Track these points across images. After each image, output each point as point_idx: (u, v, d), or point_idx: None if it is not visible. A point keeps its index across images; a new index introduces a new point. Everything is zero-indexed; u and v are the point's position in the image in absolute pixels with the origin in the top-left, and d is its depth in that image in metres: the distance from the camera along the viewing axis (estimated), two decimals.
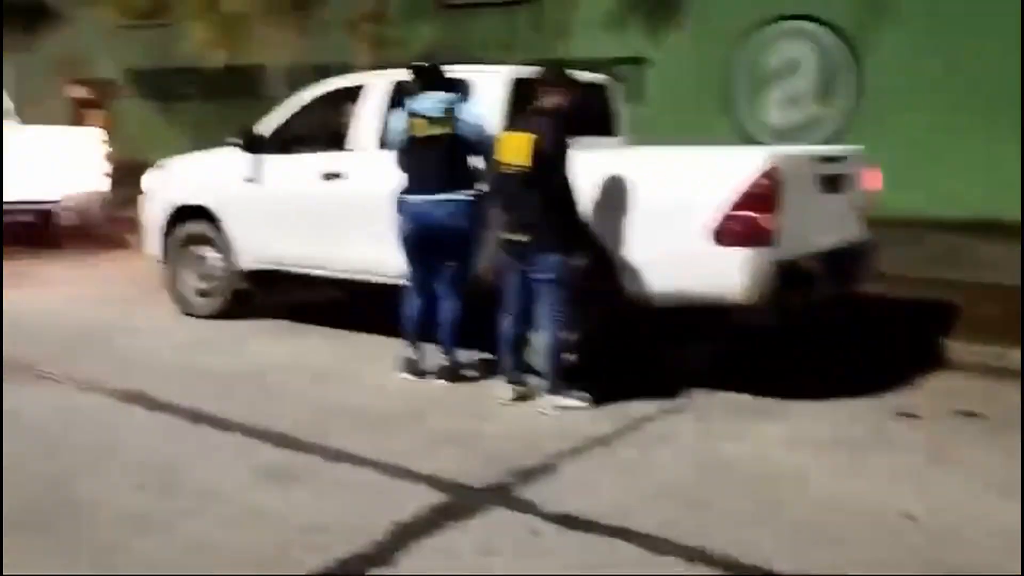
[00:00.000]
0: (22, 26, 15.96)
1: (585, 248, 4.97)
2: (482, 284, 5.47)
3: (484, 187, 5.33)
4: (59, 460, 4.25)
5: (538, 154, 4.79)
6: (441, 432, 4.66)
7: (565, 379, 4.97)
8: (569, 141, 4.89)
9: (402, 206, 5.38)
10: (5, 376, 5.57)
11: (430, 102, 5.29)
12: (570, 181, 4.89)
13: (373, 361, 5.89)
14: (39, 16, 16.11)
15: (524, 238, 4.89)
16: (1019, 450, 4.32)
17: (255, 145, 6.77)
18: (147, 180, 7.54)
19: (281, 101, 7.20)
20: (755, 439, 4.58)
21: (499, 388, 5.19)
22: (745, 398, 5.22)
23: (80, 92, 12.19)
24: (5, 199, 9.66)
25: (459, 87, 5.48)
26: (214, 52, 9.73)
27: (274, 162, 6.74)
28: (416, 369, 5.55)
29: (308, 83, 7.12)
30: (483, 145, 5.26)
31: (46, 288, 8.53)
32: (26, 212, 10.16)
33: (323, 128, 6.73)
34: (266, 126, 6.90)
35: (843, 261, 5.61)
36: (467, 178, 5.35)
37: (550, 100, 4.94)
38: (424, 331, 5.54)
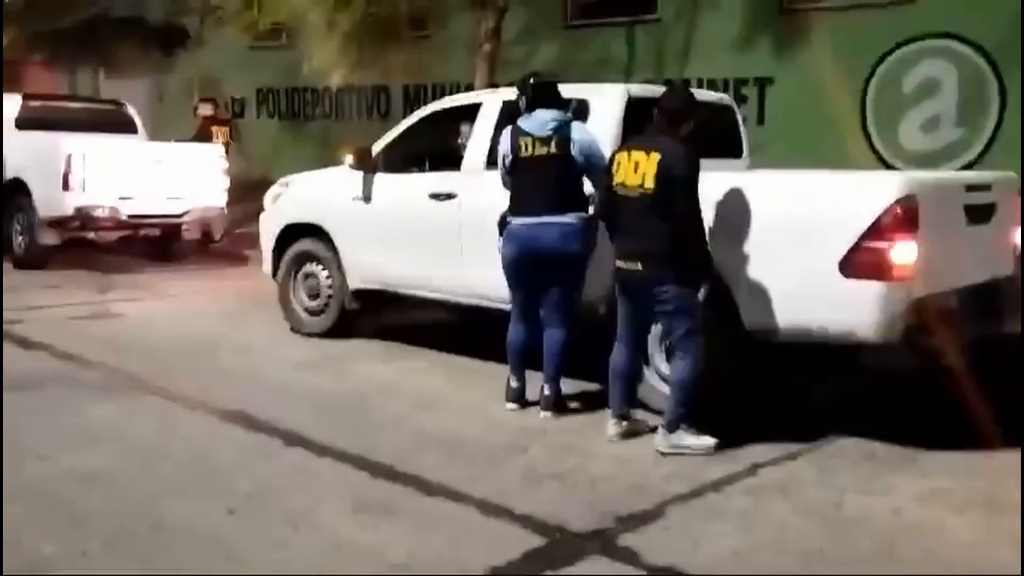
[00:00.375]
0: (161, 47, 16.60)
1: (708, 278, 4.61)
2: (590, 312, 5.22)
3: (594, 210, 5.08)
4: (154, 479, 4.20)
5: (665, 177, 4.45)
6: (543, 468, 4.42)
7: (685, 418, 4.63)
8: (699, 163, 4.56)
9: (506, 228, 5.19)
10: (116, 389, 5.64)
11: (538, 120, 5.08)
12: (699, 206, 4.56)
13: (478, 388, 5.71)
14: (177, 38, 16.72)
15: (641, 266, 4.59)
16: None
17: (367, 163, 6.71)
18: (268, 196, 7.59)
19: (404, 120, 7.14)
20: (884, 492, 4.17)
21: (607, 424, 4.91)
22: (876, 446, 4.79)
23: (208, 110, 12.54)
24: (133, 213, 9.96)
25: (569, 105, 5.27)
26: (334, 73, 9.76)
27: (385, 181, 6.67)
28: (520, 399, 5.33)
29: (428, 103, 7.06)
30: (594, 166, 5.02)
31: (164, 302, 8.70)
32: (151, 226, 10.46)
33: (435, 147, 6.61)
34: (380, 145, 6.83)
35: (990, 299, 5.14)
36: (576, 200, 5.11)
37: (676, 120, 4.63)
38: (529, 359, 5.32)
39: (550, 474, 4.33)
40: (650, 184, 4.47)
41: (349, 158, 6.81)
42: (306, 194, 7.34)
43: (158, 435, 4.84)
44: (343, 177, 6.89)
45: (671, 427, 4.61)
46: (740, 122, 6.46)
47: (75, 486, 4.06)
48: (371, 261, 6.73)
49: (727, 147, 6.25)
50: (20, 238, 10.21)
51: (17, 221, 10.21)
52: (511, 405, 5.31)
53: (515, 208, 5.16)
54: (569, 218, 5.05)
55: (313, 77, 13.06)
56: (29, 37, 15.71)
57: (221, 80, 18.30)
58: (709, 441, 4.59)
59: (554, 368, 5.23)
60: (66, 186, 9.55)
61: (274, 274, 7.47)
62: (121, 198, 9.86)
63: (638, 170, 4.50)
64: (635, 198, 4.53)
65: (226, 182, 10.63)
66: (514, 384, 5.32)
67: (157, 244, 11.09)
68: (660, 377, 5.07)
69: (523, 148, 5.09)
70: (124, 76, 19.31)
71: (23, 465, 4.28)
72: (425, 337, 6.97)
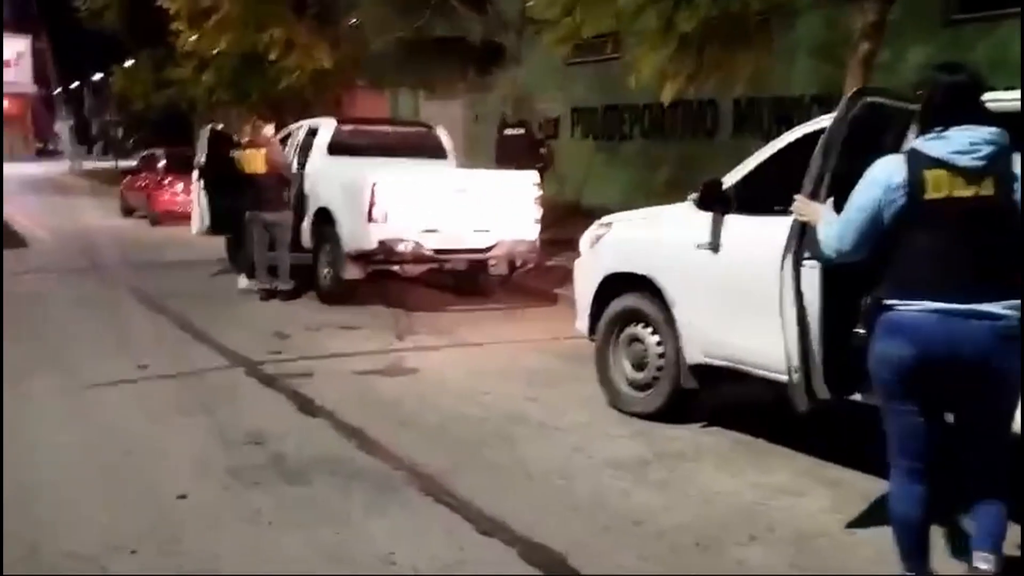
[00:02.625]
0: (478, 66, 16.03)
1: None
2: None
3: None
4: None
5: None
6: None
7: None
8: None
9: (889, 317, 3.23)
10: (393, 492, 4.47)
11: (960, 142, 3.15)
12: None
13: (873, 543, 3.90)
14: (494, 57, 16.06)
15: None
16: None
17: (716, 202, 5.12)
18: (585, 239, 6.23)
19: (731, 139, 5.48)
20: None
21: None
22: None
23: (515, 132, 11.44)
24: (437, 247, 9.05)
25: (1002, 123, 3.25)
26: (667, 85, 8.24)
27: (742, 224, 5.04)
28: None
29: (762, 119, 5.33)
30: None
31: (463, 353, 7.59)
32: (458, 260, 9.52)
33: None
34: (734, 177, 5.22)
35: None
36: (1014, 275, 3.14)
37: None
38: (924, 526, 3.37)
39: None
40: None
41: (693, 195, 5.26)
42: (634, 238, 5.87)
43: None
44: (683, 218, 5.35)
45: None
46: None
47: None
48: (718, 328, 5.13)
49: None
50: (325, 270, 9.63)
51: (323, 252, 9.65)
52: None
53: (906, 283, 3.21)
54: (1007, 308, 3.11)
55: (634, 93, 11.78)
56: (355, 60, 15.68)
57: (535, 99, 17.56)
58: None
59: (991, 544, 3.31)
60: (370, 218, 8.79)
61: (591, 333, 6.08)
62: (425, 231, 8.96)
63: None
64: None
65: (538, 212, 9.46)
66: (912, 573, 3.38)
67: (462, 277, 10.20)
68: None
69: (931, 186, 3.16)
70: (442, 97, 19.16)
71: None
72: (787, 431, 5.23)
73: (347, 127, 10.45)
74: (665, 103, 8.71)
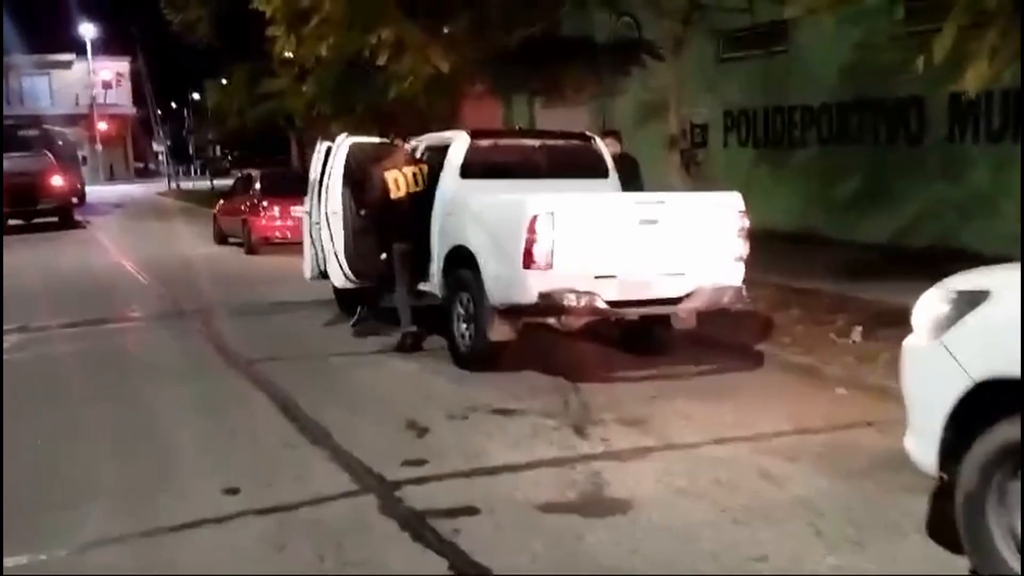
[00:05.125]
0: (615, 66, 13.78)
1: None
2: None
3: None
4: None
5: None
6: None
7: None
8: None
9: None
10: None
11: None
12: None
13: None
14: (633, 54, 13.78)
15: None
16: None
17: None
18: (926, 315, 3.86)
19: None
20: None
21: None
22: None
23: (614, 146, 8.93)
24: (616, 299, 6.79)
25: None
26: (969, 70, 5.80)
27: None
28: None
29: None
30: None
31: (681, 462, 5.25)
32: (643, 314, 7.21)
33: None
34: None
35: None
36: None
37: None
38: None
39: None
40: None
41: None
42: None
43: None
44: None
45: None
46: None
47: None
48: None
49: None
50: (464, 327, 7.47)
51: (460, 303, 7.49)
52: None
53: None
54: None
55: (807, 91, 9.40)
56: (473, 64, 13.55)
57: (680, 102, 15.20)
58: None
59: None
60: (529, 262, 6.59)
61: (941, 466, 3.72)
62: (600, 276, 6.72)
63: None
64: None
65: (745, 247, 7.13)
66: None
67: (632, 328, 7.87)
68: None
69: None
70: (564, 104, 16.99)
71: None
72: None
73: (484, 142, 8.24)
74: (971, 94, 6.22)
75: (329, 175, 8.58)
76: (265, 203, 16.78)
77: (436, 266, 7.91)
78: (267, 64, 19.07)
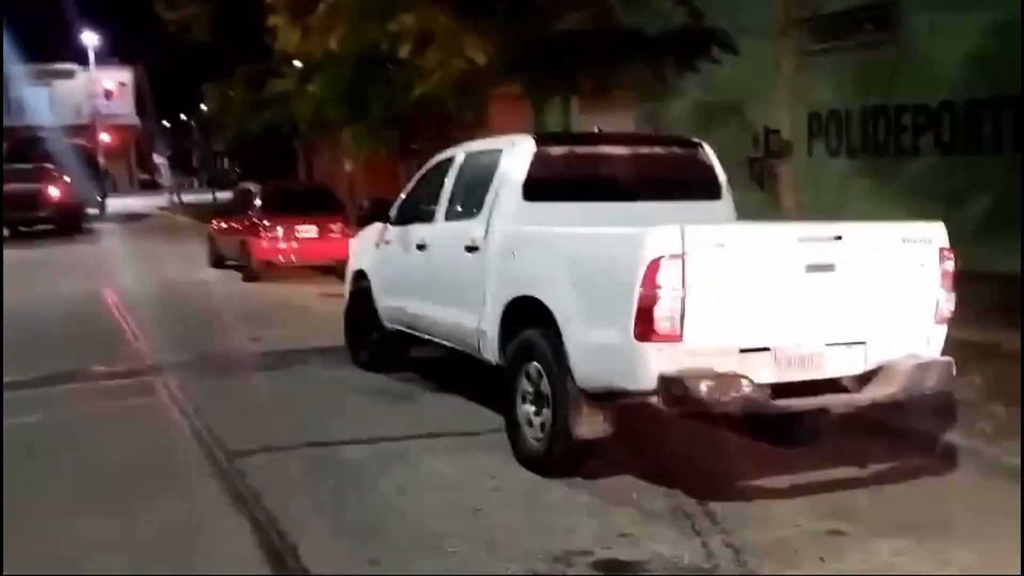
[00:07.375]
0: (679, 61, 11.52)
1: None
2: None
3: None
4: None
5: None
6: None
7: None
8: None
9: None
10: None
11: None
12: None
13: None
14: (698, 48, 11.52)
15: None
16: None
17: None
18: None
19: None
20: None
21: None
22: None
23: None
24: (779, 379, 4.52)
25: None
26: None
27: None
28: None
29: None
30: None
31: None
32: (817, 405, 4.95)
33: None
34: None
35: None
36: None
37: None
38: None
39: None
40: None
41: None
42: None
43: None
44: None
45: None
46: None
47: None
48: None
49: None
50: (530, 410, 5.22)
51: (526, 377, 5.24)
52: None
53: None
54: None
55: (920, 90, 7.15)
56: (508, 59, 11.31)
57: (745, 105, 12.99)
58: None
59: None
60: (646, 329, 4.33)
61: None
62: (746, 350, 4.48)
63: None
64: None
65: (950, 302, 4.88)
66: None
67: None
68: None
69: None
70: (607, 109, 14.80)
71: None
72: None
73: (555, 149, 5.99)
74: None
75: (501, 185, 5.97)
76: (267, 222, 14.59)
77: (490, 323, 5.68)
78: (269, 64, 16.92)
